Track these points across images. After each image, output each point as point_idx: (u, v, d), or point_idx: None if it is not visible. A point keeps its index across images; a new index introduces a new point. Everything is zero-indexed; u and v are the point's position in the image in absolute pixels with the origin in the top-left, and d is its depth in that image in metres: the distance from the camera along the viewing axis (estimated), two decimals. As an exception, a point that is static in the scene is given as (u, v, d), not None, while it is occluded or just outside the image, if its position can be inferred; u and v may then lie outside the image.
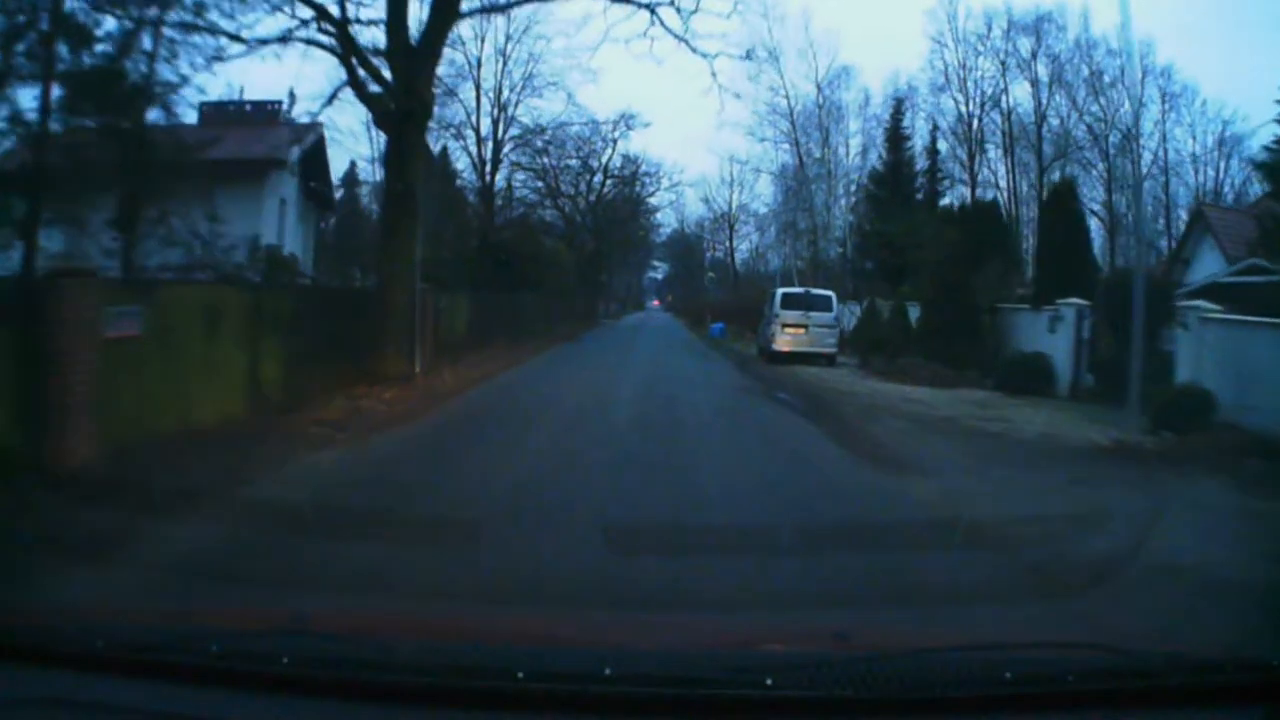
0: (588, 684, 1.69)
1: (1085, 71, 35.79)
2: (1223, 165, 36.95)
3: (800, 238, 40.53)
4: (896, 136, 35.64)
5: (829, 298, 21.11)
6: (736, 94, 39.06)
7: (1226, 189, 36.43)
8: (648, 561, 4.46)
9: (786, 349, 20.10)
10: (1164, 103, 35.41)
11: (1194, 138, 36.11)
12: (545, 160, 36.71)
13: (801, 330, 20.27)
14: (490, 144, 33.02)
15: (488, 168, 32.88)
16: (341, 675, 1.72)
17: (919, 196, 34.71)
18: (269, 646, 1.77)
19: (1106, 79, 35.63)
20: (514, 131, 33.74)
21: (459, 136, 32.12)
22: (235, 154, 24.22)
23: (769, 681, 1.68)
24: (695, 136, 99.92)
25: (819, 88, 38.44)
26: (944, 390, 15.09)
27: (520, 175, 36.06)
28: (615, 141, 41.72)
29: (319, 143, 26.78)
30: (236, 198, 24.01)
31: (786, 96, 39.35)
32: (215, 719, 1.68)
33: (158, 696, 1.70)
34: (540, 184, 38.19)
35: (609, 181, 46.30)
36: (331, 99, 13.17)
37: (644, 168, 44.84)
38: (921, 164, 36.39)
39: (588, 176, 43.86)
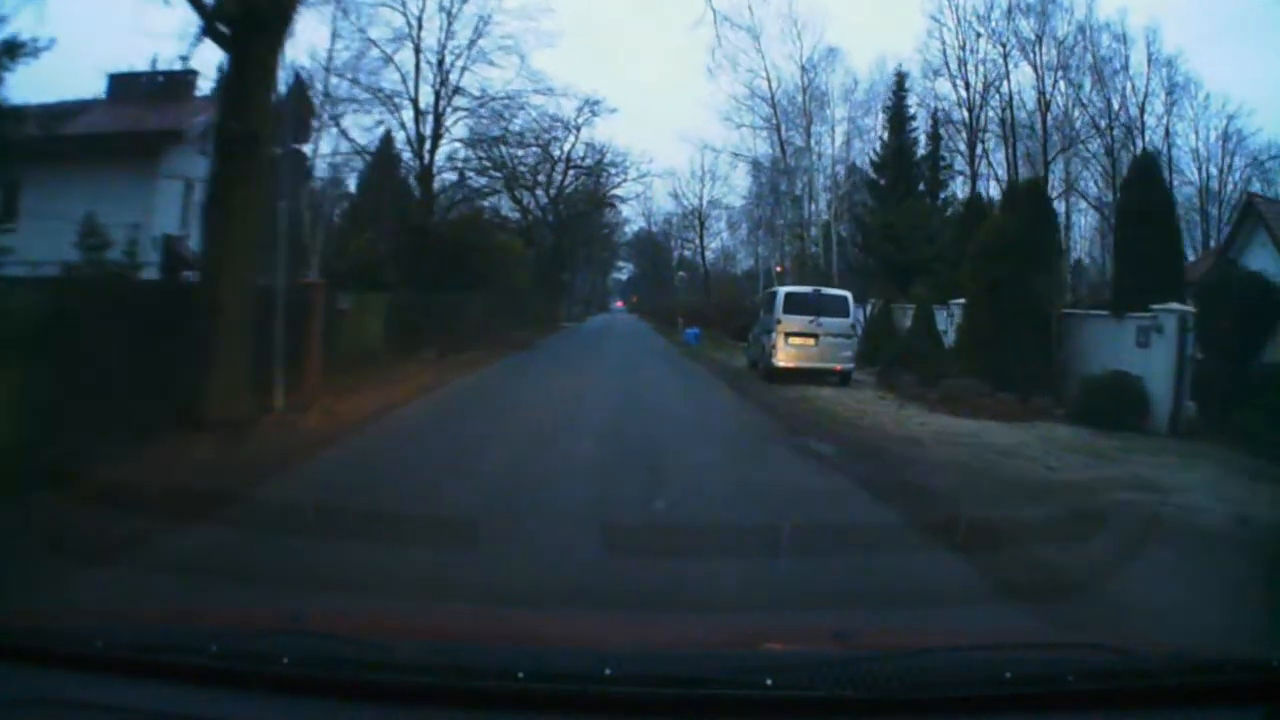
0: (588, 684, 1.73)
1: (1089, 59, 33.73)
2: (1227, 162, 35.58)
3: (782, 233, 36.38)
4: (899, 117, 31.96)
5: (844, 299, 17.15)
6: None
7: (1230, 187, 35.69)
8: None
9: (790, 364, 16.13)
10: (1169, 96, 33.89)
11: (1195, 133, 35.14)
12: (503, 149, 31.87)
13: (810, 341, 16.18)
14: (430, 117, 28.03)
15: (427, 145, 27.90)
16: (341, 675, 1.75)
17: (920, 187, 30.49)
18: (269, 646, 1.80)
19: (1112, 67, 33.79)
20: (460, 102, 28.75)
21: (394, 109, 27.20)
22: (124, 126, 19.88)
23: (769, 681, 1.72)
24: (665, 124, 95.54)
25: (803, 69, 34.27)
26: (1018, 426, 12.08)
27: (470, 161, 31.13)
28: (578, 129, 37.46)
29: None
30: (120, 178, 19.89)
31: (768, 78, 35.33)
32: (215, 719, 1.72)
33: (158, 696, 1.74)
34: (497, 173, 33.40)
35: (571, 172, 41.76)
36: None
37: (609, 157, 40.30)
38: (921, 151, 32.18)
39: (548, 166, 39.27)
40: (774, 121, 38.03)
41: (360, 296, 15.81)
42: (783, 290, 18.75)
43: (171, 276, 18.10)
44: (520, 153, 35.95)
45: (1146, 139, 33.92)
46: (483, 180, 33.67)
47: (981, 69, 35.03)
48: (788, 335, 17.38)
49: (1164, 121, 34.03)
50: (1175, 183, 33.24)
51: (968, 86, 35.62)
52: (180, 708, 1.70)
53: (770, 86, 37.51)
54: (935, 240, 25.43)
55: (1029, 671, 1.79)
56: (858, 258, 34.10)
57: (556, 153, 40.75)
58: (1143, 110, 34.02)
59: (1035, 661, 1.88)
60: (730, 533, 5.71)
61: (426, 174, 28.99)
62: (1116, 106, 33.89)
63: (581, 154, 42.05)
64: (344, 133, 27.26)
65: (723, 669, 1.79)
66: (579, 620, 2.84)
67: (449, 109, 29.85)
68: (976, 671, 1.81)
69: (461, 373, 16.63)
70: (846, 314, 17.89)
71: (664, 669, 1.78)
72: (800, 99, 37.27)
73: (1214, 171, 35.87)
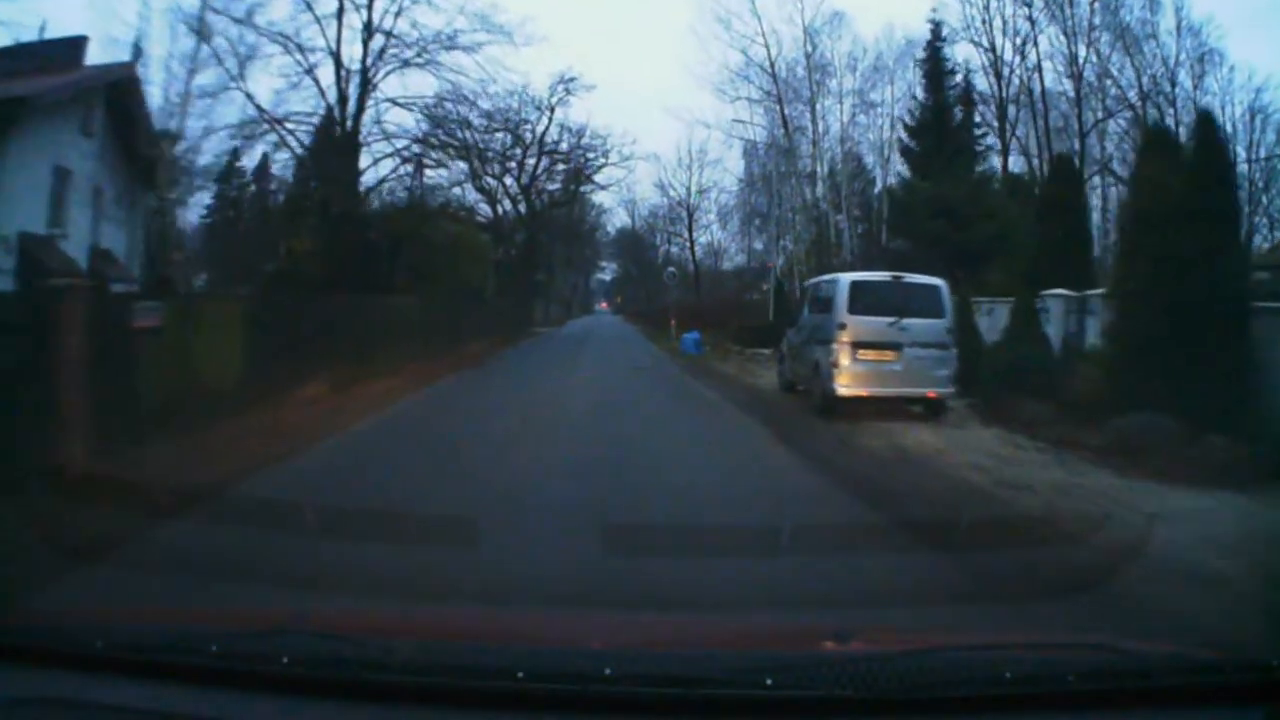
0: (588, 684, 1.75)
1: (1118, 23, 32.05)
2: (1254, 138, 33.35)
3: (781, 220, 31.86)
4: (936, 71, 27.12)
5: (936, 291, 12.53)
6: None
7: (1258, 163, 33.84)
8: None
9: (861, 390, 11.85)
10: (1199, 66, 31.81)
11: (1222, 108, 32.65)
12: (467, 133, 27.03)
13: (889, 355, 11.65)
14: (358, 75, 22.68)
15: (350, 108, 22.55)
16: (341, 675, 1.79)
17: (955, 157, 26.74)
18: (269, 646, 1.85)
19: (1134, 37, 32.28)
20: (396, 52, 23.52)
21: (308, 67, 21.84)
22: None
23: (769, 681, 1.75)
24: (648, 101, 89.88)
25: (806, 33, 30.30)
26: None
27: (413, 130, 26.02)
28: (552, 109, 32.77)
29: (128, 86, 19.51)
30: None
31: (765, 44, 31.86)
32: (215, 719, 1.76)
33: (158, 696, 1.77)
34: (458, 156, 28.42)
35: (545, 159, 36.87)
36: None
37: (587, 139, 35.62)
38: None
39: (519, 151, 34.24)
40: (774, 94, 33.45)
41: (195, 306, 10.59)
42: (846, 279, 13.00)
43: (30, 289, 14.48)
44: (484, 132, 30.88)
45: (1176, 113, 32.74)
46: (421, 149, 28.23)
47: (1007, 29, 32.43)
48: (856, 346, 11.99)
49: (1193, 95, 32.61)
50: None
51: (993, 50, 31.79)
52: (180, 708, 1.73)
53: (769, 54, 33.43)
54: (998, 216, 20.34)
55: (1029, 671, 1.83)
56: (870, 241, 29.37)
57: (528, 137, 35.70)
58: (1173, 82, 32.79)
59: (1035, 661, 1.91)
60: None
61: (350, 143, 23.30)
62: (1147, 78, 32.75)
63: (556, 137, 37.03)
64: (249, 96, 22.08)
65: (723, 669, 1.83)
66: (579, 620, 2.81)
67: (378, 61, 24.37)
68: (976, 671, 1.84)
69: (349, 419, 10.88)
70: (940, 313, 12.38)
71: (664, 669, 1.81)
72: (801, 69, 33.34)
73: (1240, 150, 34.64)
